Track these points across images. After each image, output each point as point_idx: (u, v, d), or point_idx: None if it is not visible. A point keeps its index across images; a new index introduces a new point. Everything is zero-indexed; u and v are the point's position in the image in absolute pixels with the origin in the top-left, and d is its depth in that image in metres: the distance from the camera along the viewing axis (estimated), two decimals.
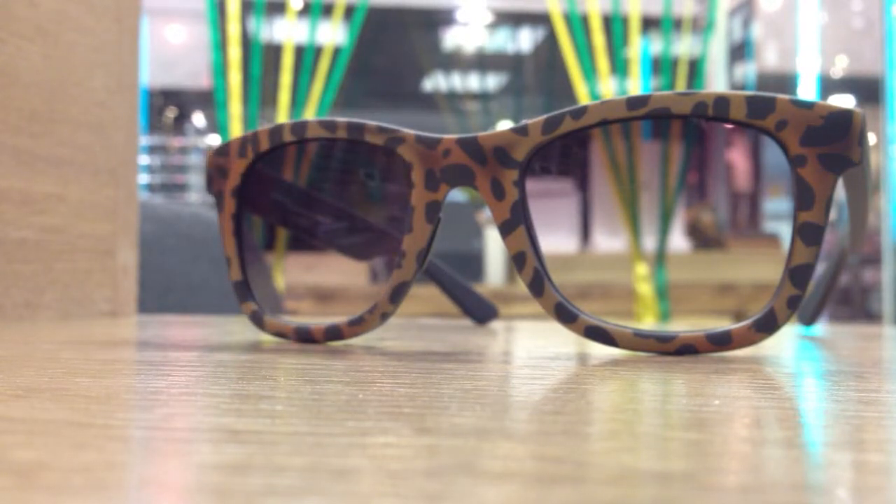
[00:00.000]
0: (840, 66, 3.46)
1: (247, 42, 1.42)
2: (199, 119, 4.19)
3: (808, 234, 0.20)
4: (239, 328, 0.33)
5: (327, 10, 1.52)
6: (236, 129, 1.36)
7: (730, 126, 0.21)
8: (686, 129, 0.23)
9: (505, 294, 1.38)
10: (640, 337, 0.22)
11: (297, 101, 1.43)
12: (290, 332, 0.25)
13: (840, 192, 0.21)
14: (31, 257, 0.36)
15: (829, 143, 0.20)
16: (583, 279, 1.43)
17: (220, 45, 1.37)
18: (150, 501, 0.09)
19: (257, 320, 0.26)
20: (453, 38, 4.02)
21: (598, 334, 0.22)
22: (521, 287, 0.23)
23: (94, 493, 0.09)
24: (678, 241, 1.57)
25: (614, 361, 0.21)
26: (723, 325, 0.22)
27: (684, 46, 1.47)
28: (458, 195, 1.61)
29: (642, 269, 1.33)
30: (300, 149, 0.26)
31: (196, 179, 4.03)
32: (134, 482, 0.09)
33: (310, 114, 1.42)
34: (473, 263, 1.67)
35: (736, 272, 1.52)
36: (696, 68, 1.47)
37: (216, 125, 1.41)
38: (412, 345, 0.26)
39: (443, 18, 3.89)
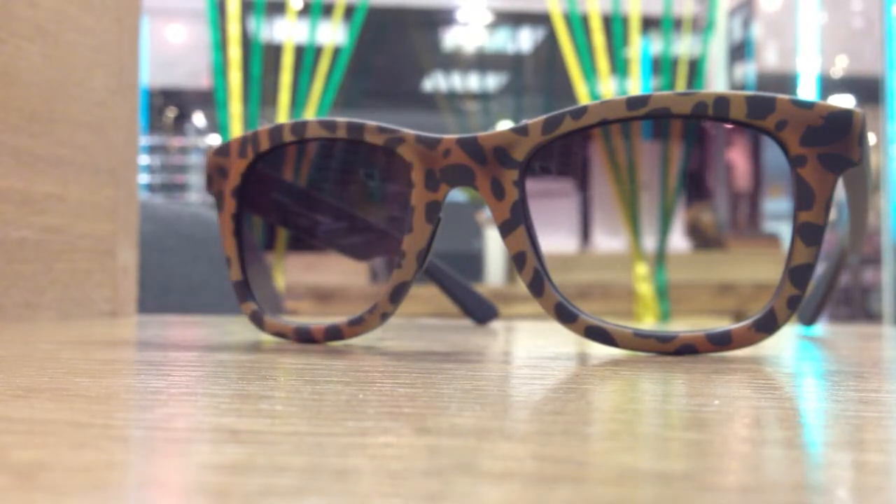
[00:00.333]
0: (840, 66, 3.46)
1: (247, 42, 1.42)
2: (199, 119, 4.19)
3: (808, 234, 0.20)
4: (239, 328, 0.33)
5: (327, 10, 1.52)
6: (236, 129, 1.36)
7: (730, 126, 0.21)
8: (686, 129, 0.23)
9: (505, 294, 1.38)
10: (640, 337, 0.22)
11: (297, 101, 1.43)
12: (290, 332, 0.25)
13: (840, 192, 0.21)
14: (31, 257, 0.36)
15: (829, 143, 0.20)
16: (583, 279, 1.43)
17: (220, 45, 1.37)
18: (150, 501, 0.09)
19: (257, 320, 0.26)
20: (453, 38, 4.02)
21: (598, 334, 0.22)
22: (521, 287, 0.23)
23: (94, 493, 0.09)
24: (678, 241, 1.57)
25: (614, 361, 0.21)
26: (723, 325, 0.22)
27: (684, 46, 1.47)
28: (458, 195, 1.61)
29: (642, 269, 1.33)
30: (300, 149, 0.26)
31: (196, 179, 4.03)
32: (134, 482, 0.09)
33: (310, 114, 1.42)
34: (473, 263, 1.67)
35: (736, 272, 1.52)
36: (696, 68, 1.47)
37: (216, 125, 1.41)
38: (412, 345, 0.26)
39: (443, 18, 3.89)
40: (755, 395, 0.15)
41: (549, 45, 3.13)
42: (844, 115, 0.20)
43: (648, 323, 1.21)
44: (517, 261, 0.22)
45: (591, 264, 1.49)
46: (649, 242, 1.34)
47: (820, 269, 0.25)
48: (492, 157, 0.22)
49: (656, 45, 1.57)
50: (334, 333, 0.25)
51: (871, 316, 2.98)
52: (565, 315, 0.22)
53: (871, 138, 1.16)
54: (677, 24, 1.47)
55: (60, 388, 0.15)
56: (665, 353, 0.22)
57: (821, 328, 0.37)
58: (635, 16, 1.42)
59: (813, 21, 3.23)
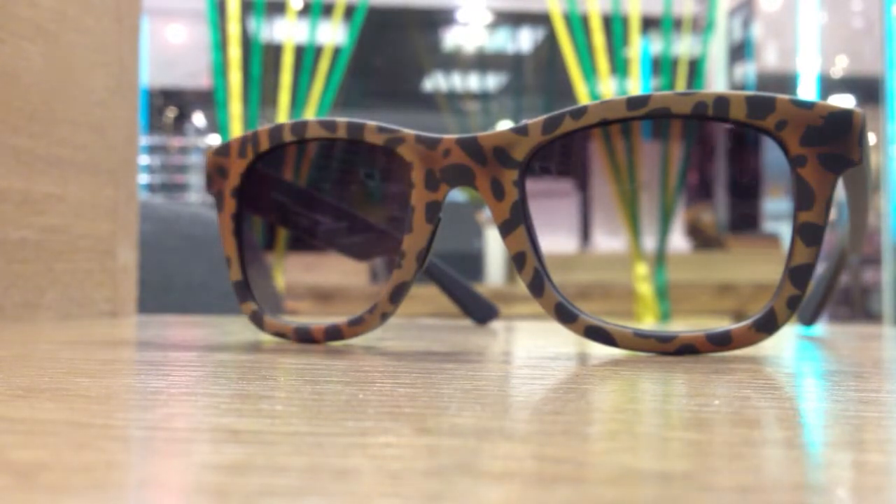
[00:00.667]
0: (840, 66, 3.46)
1: (247, 42, 1.42)
2: (199, 119, 4.19)
3: (808, 234, 0.20)
4: (239, 328, 0.33)
5: (327, 10, 1.52)
6: (236, 129, 1.36)
7: (729, 126, 0.21)
8: (686, 128, 0.23)
9: (505, 294, 1.38)
10: (640, 337, 0.22)
11: (297, 101, 1.43)
12: (290, 332, 0.25)
13: (840, 192, 0.21)
14: (31, 257, 0.36)
15: (829, 142, 0.20)
16: (583, 279, 1.43)
17: (220, 45, 1.37)
18: (150, 501, 0.09)
19: (257, 320, 0.26)
20: (453, 38, 4.02)
21: (598, 334, 0.22)
22: (521, 287, 0.23)
23: (94, 493, 0.09)
24: (678, 241, 1.57)
25: (614, 361, 0.21)
26: (723, 325, 0.22)
27: (684, 46, 1.47)
28: (458, 195, 1.61)
29: (642, 269, 1.33)
30: (300, 149, 0.26)
31: (196, 179, 4.03)
32: (134, 482, 0.09)
33: (310, 114, 1.42)
34: (473, 263, 1.67)
35: (736, 272, 1.52)
36: (696, 68, 1.47)
37: (216, 125, 1.41)
38: (412, 345, 0.26)
39: (443, 18, 3.89)
40: (755, 395, 0.15)
41: (549, 45, 3.13)
42: (844, 115, 0.20)
43: (648, 323, 1.21)
44: (517, 261, 0.22)
45: (591, 264, 1.49)
46: (649, 242, 1.34)
47: (820, 269, 0.25)
48: (492, 157, 0.22)
49: (656, 45, 1.57)
50: (334, 333, 0.25)
51: (871, 316, 2.98)
52: (565, 315, 0.22)
53: (871, 138, 1.16)
54: (677, 24, 1.47)
55: (60, 388, 0.15)
56: (665, 353, 0.22)
57: (821, 328, 0.37)
58: (635, 16, 1.42)
59: (813, 21, 3.23)
